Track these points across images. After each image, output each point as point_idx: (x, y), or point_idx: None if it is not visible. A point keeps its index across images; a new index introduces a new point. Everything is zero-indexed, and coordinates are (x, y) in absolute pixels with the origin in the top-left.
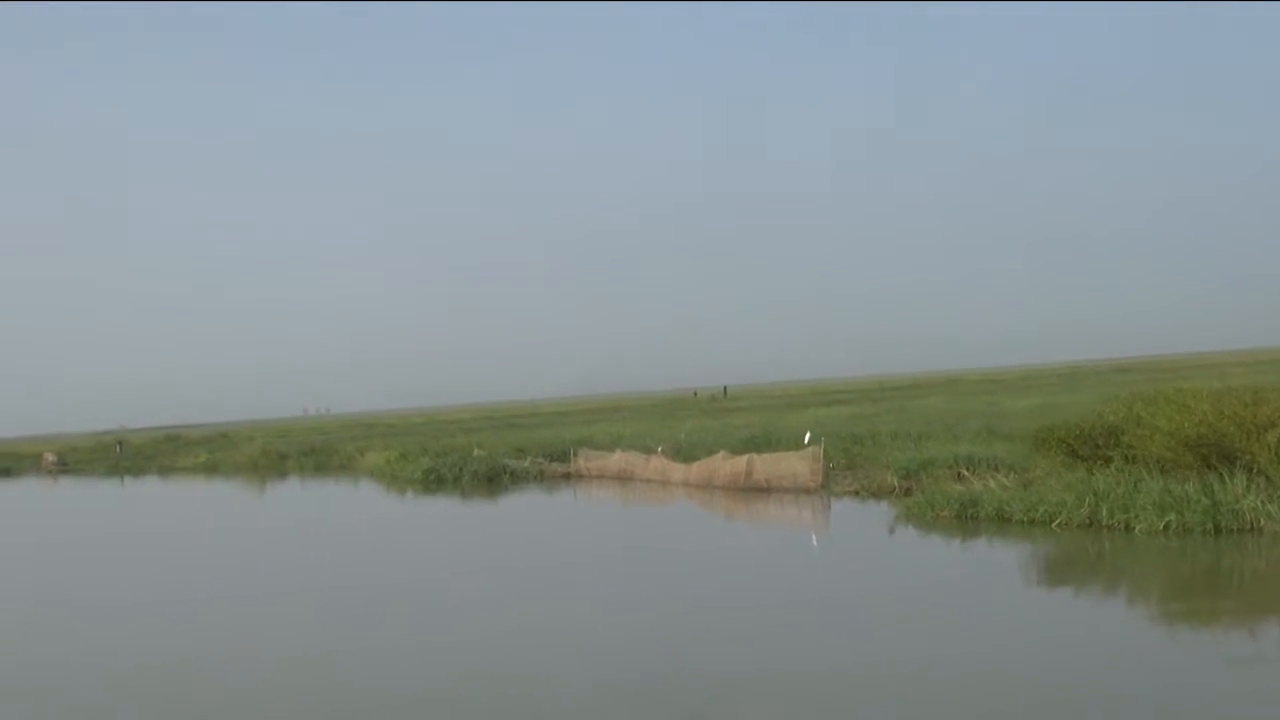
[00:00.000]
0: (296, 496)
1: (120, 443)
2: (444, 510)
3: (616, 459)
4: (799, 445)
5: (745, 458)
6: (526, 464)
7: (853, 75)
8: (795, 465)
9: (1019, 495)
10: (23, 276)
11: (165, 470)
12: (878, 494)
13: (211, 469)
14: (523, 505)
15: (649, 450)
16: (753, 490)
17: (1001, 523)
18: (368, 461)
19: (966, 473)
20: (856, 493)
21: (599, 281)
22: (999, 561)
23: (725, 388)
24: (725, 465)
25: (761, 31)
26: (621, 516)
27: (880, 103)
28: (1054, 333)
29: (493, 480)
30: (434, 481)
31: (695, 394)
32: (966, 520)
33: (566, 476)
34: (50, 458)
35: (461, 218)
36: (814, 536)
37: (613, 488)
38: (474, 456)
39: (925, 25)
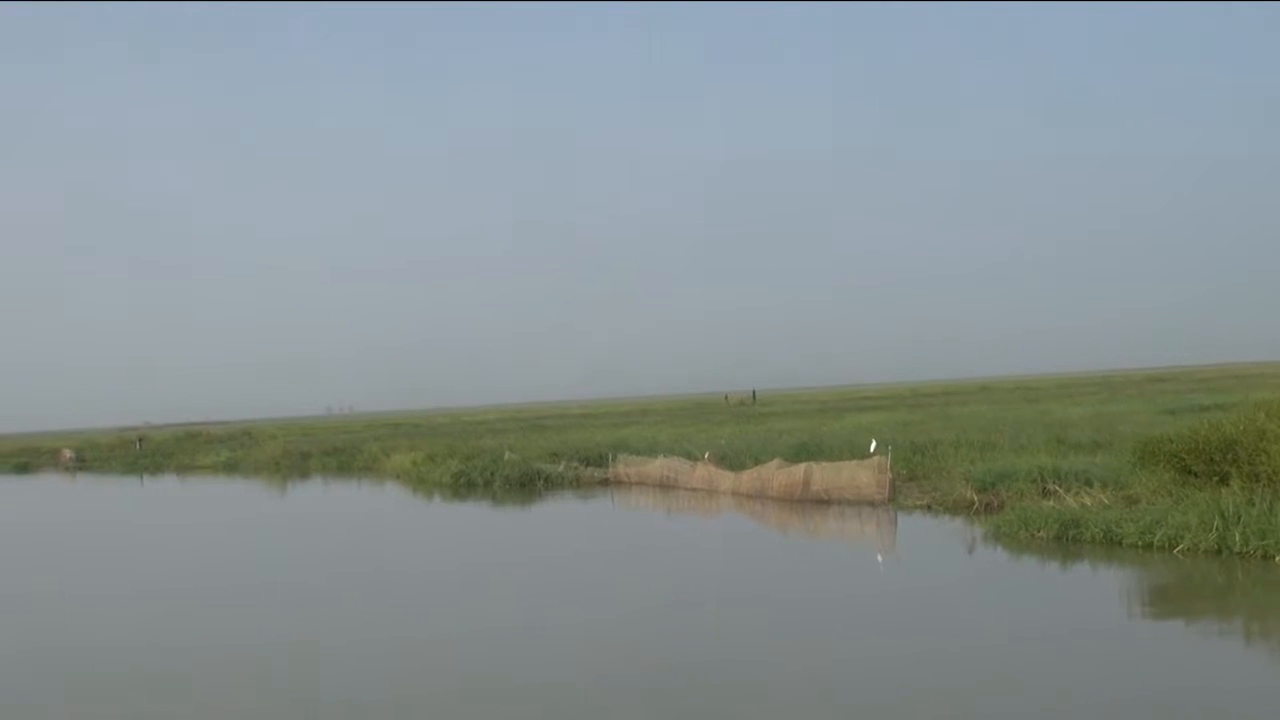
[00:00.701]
0: (318, 498)
1: (140, 439)
2: (475, 516)
3: (658, 465)
4: (853, 453)
5: (803, 466)
6: (561, 468)
7: (856, 75)
8: (859, 476)
9: (1129, 515)
10: (47, 273)
11: (184, 468)
12: (953, 509)
13: (231, 468)
14: (559, 512)
15: (691, 456)
16: (810, 501)
17: (1110, 546)
18: (393, 463)
19: (1057, 487)
20: (929, 506)
21: (606, 282)
22: (1112, 591)
23: (754, 392)
24: (780, 474)
25: (764, 31)
26: (666, 527)
27: (883, 102)
28: (1048, 340)
29: (525, 485)
30: (463, 485)
31: (726, 398)
32: (1067, 542)
33: (604, 483)
34: (68, 454)
35: (467, 216)
36: (889, 555)
37: (654, 496)
38: (505, 460)
39: (928, 26)
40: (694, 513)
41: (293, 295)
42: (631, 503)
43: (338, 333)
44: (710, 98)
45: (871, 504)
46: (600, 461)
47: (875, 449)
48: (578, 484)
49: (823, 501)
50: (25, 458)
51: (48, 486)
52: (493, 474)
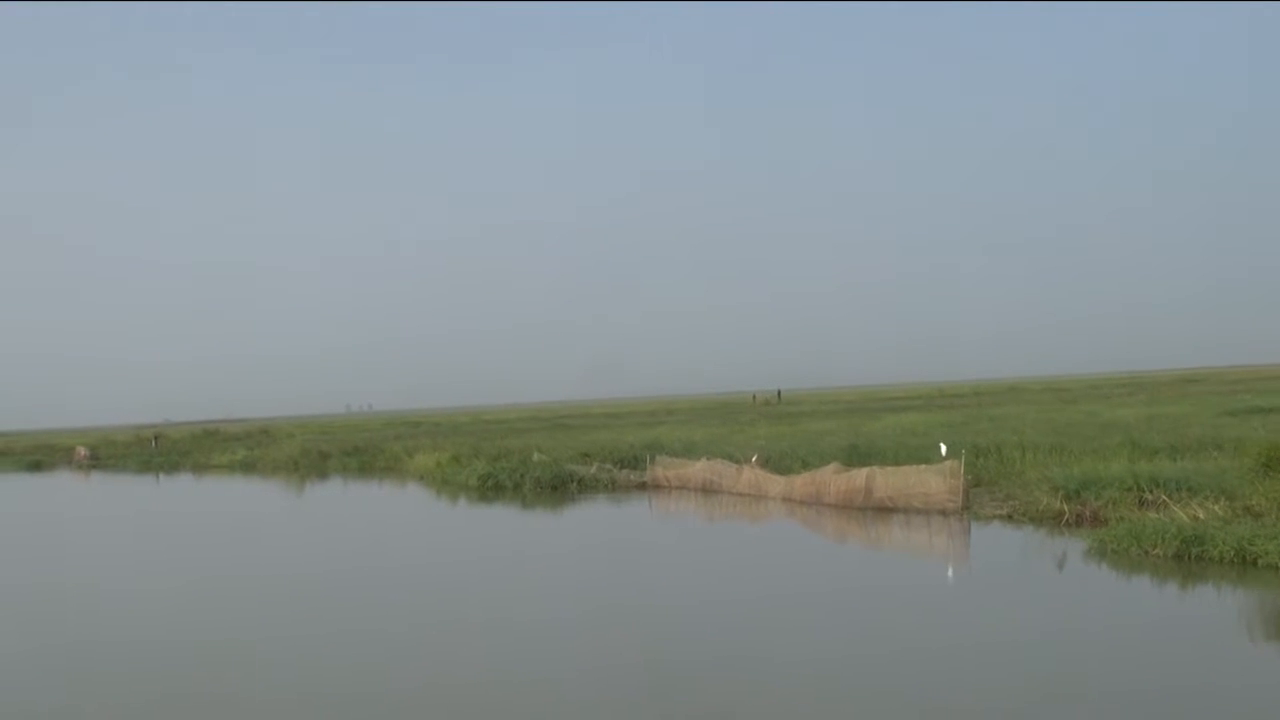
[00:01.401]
0: (337, 500)
1: (156, 437)
2: (506, 519)
3: (700, 468)
4: (908, 456)
5: (864, 471)
6: (593, 470)
7: (855, 77)
8: (928, 482)
9: (1264, 531)
10: (72, 272)
11: (199, 467)
12: (1038, 519)
13: (248, 467)
14: (595, 516)
15: (732, 458)
16: (872, 509)
17: (1243, 567)
18: (416, 463)
19: (1164, 497)
20: (1009, 516)
21: (606, 281)
22: (1260, 623)
23: (779, 391)
24: (838, 479)
25: (763, 36)
26: (711, 533)
27: (882, 103)
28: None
29: (557, 488)
30: (490, 488)
31: (754, 398)
32: (1189, 561)
33: (641, 486)
34: (82, 451)
35: (475, 214)
36: (964, 567)
37: (695, 500)
38: (534, 461)
39: (928, 28)
40: (742, 519)
41: (311, 292)
42: (671, 507)
43: (355, 329)
44: (708, 98)
45: (943, 513)
46: (635, 463)
47: (946, 453)
48: (613, 487)
49: (886, 509)
50: (40, 455)
51: (56, 485)
52: (522, 476)
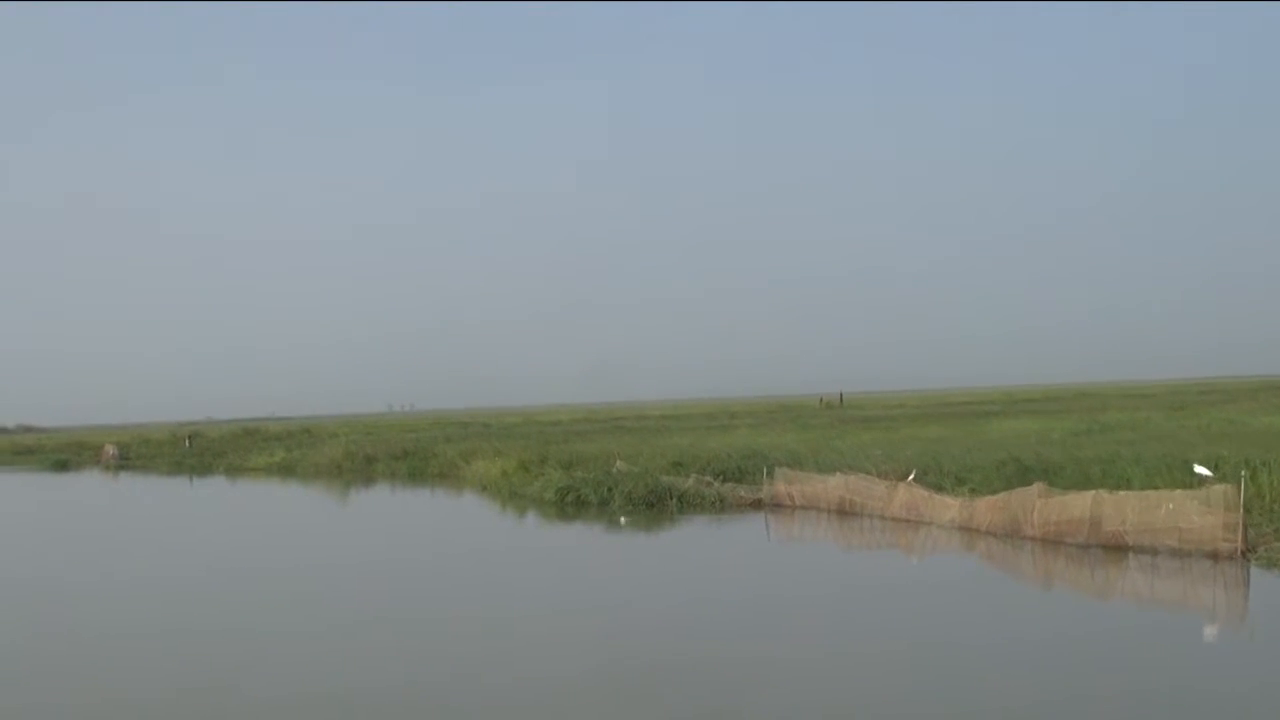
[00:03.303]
0: (394, 518)
1: (191, 436)
2: (616, 548)
3: (837, 485)
4: (1104, 474)
5: (1088, 496)
6: (690, 483)
7: (856, 80)
8: (1187, 513)
9: None
10: (101, 276)
11: (234, 469)
12: None
13: (287, 470)
14: (722, 542)
15: (861, 470)
16: (1097, 547)
17: None
18: (476, 470)
19: None
20: None
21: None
22: None
23: (841, 394)
24: (1047, 506)
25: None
26: (885, 574)
27: (881, 104)
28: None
29: (653, 505)
30: (571, 503)
31: (821, 400)
32: None
33: (755, 504)
34: (110, 450)
35: (491, 212)
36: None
37: (830, 524)
38: (617, 471)
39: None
40: (901, 551)
41: (346, 287)
42: (801, 532)
43: (396, 323)
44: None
45: (1212, 556)
46: (738, 475)
47: (1209, 476)
48: (720, 505)
49: (1119, 547)
50: (69, 454)
51: (64, 489)
52: (609, 490)
